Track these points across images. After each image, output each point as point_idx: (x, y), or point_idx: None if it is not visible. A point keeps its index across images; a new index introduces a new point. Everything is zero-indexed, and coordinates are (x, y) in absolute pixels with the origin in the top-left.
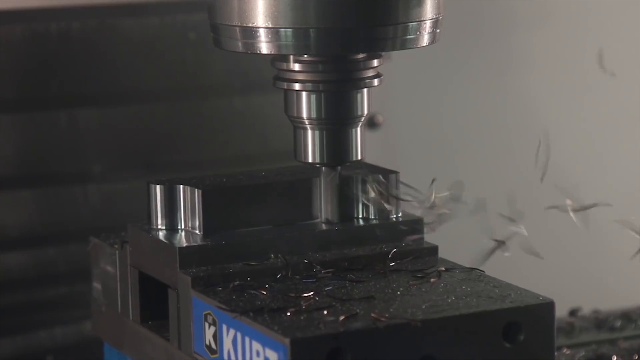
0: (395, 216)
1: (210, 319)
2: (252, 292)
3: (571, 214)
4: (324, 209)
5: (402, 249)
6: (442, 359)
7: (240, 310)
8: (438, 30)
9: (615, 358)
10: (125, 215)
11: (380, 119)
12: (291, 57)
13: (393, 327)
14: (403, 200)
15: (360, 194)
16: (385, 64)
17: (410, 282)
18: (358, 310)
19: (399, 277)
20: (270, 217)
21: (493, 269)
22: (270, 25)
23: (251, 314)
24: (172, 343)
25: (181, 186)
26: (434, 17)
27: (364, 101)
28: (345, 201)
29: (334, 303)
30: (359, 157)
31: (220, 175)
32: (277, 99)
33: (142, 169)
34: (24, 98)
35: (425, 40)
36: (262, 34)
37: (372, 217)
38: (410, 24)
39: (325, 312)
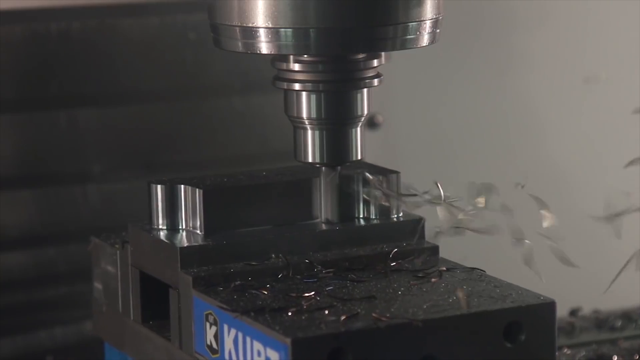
0: (396, 216)
1: (211, 318)
2: (253, 292)
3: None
4: (324, 209)
5: (403, 248)
6: (443, 358)
7: (241, 310)
8: (438, 30)
9: (616, 358)
10: (125, 215)
11: (380, 119)
12: (291, 57)
13: (394, 327)
14: (411, 201)
15: (362, 192)
16: (385, 64)
17: (411, 282)
18: (359, 310)
19: (400, 277)
20: (271, 217)
21: (494, 268)
22: (270, 25)
23: (252, 313)
24: (173, 343)
25: (182, 186)
26: (434, 17)
27: (364, 101)
28: (346, 201)
29: (335, 303)
30: (359, 157)
31: (221, 175)
32: (277, 99)
33: (142, 169)
34: (24, 98)
35: (425, 40)
36: (262, 34)
37: (373, 217)
38: (410, 24)
39: (326, 312)
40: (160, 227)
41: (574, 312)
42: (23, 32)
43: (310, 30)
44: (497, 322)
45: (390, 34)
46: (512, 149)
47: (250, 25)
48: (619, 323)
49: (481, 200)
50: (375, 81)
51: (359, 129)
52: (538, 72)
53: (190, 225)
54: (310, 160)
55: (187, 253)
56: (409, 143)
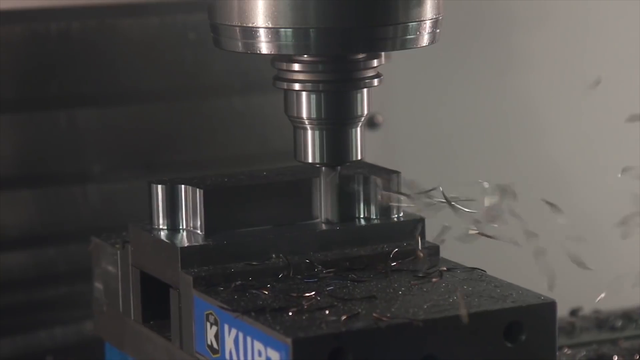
0: (396, 216)
1: (212, 318)
2: (254, 291)
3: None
4: (324, 209)
5: (404, 249)
6: (444, 358)
7: (242, 310)
8: (438, 30)
9: (616, 358)
10: (125, 215)
11: (380, 119)
12: (291, 57)
13: (395, 327)
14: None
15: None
16: (385, 64)
17: (412, 282)
18: (360, 310)
19: (400, 277)
20: (271, 217)
21: (494, 268)
22: (270, 25)
23: (253, 313)
24: (173, 343)
25: (182, 186)
26: (434, 17)
27: (364, 101)
28: (346, 201)
29: (335, 303)
30: (359, 157)
31: (222, 175)
32: (277, 99)
33: (142, 169)
34: (24, 98)
35: (425, 40)
36: (262, 34)
37: (374, 217)
38: (410, 24)
39: (327, 311)
40: (160, 227)
41: (574, 312)
42: (23, 32)
43: (310, 30)
44: (498, 322)
45: (390, 34)
46: (512, 149)
47: (250, 25)
48: (619, 323)
49: (492, 200)
50: (375, 81)
51: (359, 129)
52: (538, 72)
53: (191, 225)
54: (310, 160)
55: (188, 253)
56: (409, 143)
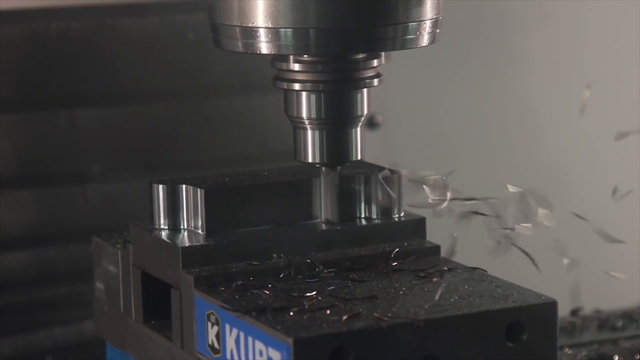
0: (397, 216)
1: (213, 318)
2: (255, 291)
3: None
4: (324, 209)
5: (405, 248)
6: (445, 358)
7: (243, 309)
8: (438, 30)
9: (617, 358)
10: (125, 215)
11: (380, 119)
12: (291, 57)
13: (396, 327)
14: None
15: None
16: (385, 64)
17: (413, 282)
18: (361, 310)
19: (401, 277)
20: (272, 217)
21: (495, 268)
22: (270, 25)
23: (254, 313)
24: (174, 343)
25: (184, 186)
26: (434, 17)
27: (364, 101)
28: (347, 200)
29: (336, 303)
30: (359, 157)
31: (223, 175)
32: (276, 99)
33: (142, 169)
34: (24, 98)
35: (425, 40)
36: (262, 34)
37: (374, 217)
38: (410, 24)
39: (328, 311)
40: (161, 227)
41: (575, 312)
42: (23, 32)
43: (310, 30)
44: (499, 322)
45: (390, 34)
46: (512, 148)
47: (250, 25)
48: (620, 323)
49: (543, 215)
50: (375, 81)
51: (358, 129)
52: (538, 72)
53: (192, 225)
54: (310, 160)
55: (189, 253)
56: (409, 143)
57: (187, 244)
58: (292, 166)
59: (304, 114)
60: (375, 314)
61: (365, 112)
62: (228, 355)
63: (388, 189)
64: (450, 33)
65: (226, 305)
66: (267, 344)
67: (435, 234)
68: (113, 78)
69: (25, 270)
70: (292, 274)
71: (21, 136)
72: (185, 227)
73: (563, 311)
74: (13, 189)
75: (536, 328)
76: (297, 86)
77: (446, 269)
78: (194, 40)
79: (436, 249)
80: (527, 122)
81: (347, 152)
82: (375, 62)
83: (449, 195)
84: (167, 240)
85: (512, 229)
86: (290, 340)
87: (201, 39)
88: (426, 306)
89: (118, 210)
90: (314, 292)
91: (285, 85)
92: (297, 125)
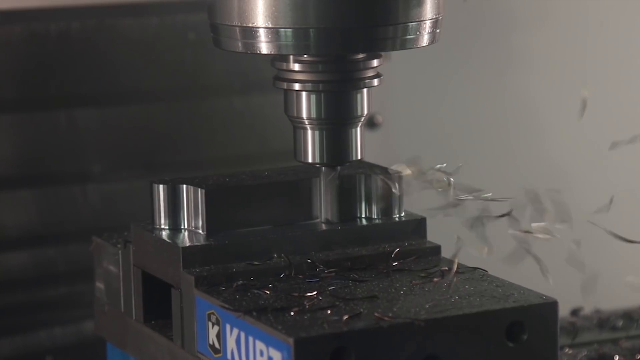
0: (397, 215)
1: (213, 318)
2: (256, 291)
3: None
4: (323, 209)
5: (405, 248)
6: (446, 358)
7: (243, 309)
8: (438, 30)
9: (618, 358)
10: (125, 215)
11: (380, 119)
12: (291, 57)
13: (396, 327)
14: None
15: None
16: (385, 64)
17: (413, 282)
18: (361, 310)
19: (402, 277)
20: (273, 217)
21: (496, 268)
22: (270, 25)
23: (255, 313)
24: (175, 343)
25: (184, 186)
26: (434, 17)
27: (364, 101)
28: (347, 200)
29: (337, 302)
30: (359, 157)
31: (223, 175)
32: (276, 99)
33: (141, 169)
34: (24, 98)
35: (425, 40)
36: (262, 34)
37: (375, 217)
38: (410, 24)
39: (328, 311)
40: (162, 226)
41: (575, 312)
42: (23, 32)
43: (310, 30)
44: (500, 322)
45: (390, 34)
46: (512, 148)
47: (250, 25)
48: (620, 323)
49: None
50: (375, 81)
51: (358, 129)
52: (538, 72)
53: (193, 225)
54: (310, 160)
55: (190, 253)
56: (409, 143)
57: (187, 243)
58: (292, 166)
59: (304, 114)
60: (376, 314)
61: (365, 112)
62: (229, 355)
63: (393, 183)
64: (450, 33)
65: (227, 305)
66: (268, 344)
67: (435, 234)
68: (113, 78)
69: (25, 270)
70: (292, 274)
71: (21, 136)
72: (186, 227)
73: (563, 311)
74: (13, 189)
75: (537, 328)
76: (297, 86)
77: (446, 268)
78: (194, 40)
79: (437, 249)
80: (527, 122)
81: (347, 152)
82: (375, 62)
83: (467, 196)
84: (168, 240)
85: (530, 232)
86: (291, 340)
87: (201, 39)
88: (427, 306)
89: (118, 210)
90: (315, 292)
91: (285, 85)
92: (297, 125)
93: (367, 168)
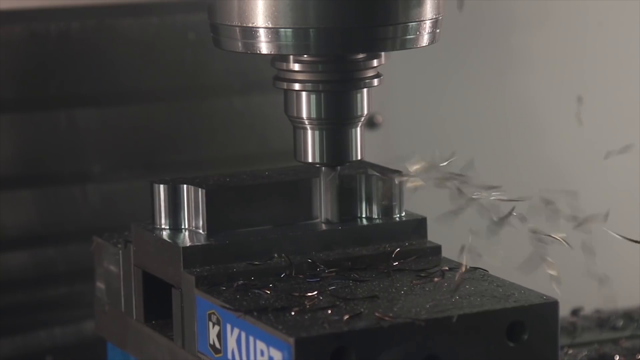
0: (398, 215)
1: (214, 318)
2: (256, 291)
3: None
4: (323, 209)
5: (406, 248)
6: (446, 358)
7: (244, 309)
8: (438, 30)
9: (618, 357)
10: (125, 215)
11: (379, 119)
12: (291, 57)
13: (397, 327)
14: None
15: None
16: (385, 64)
17: (414, 282)
18: (362, 310)
19: (402, 277)
20: (274, 217)
21: (496, 268)
22: (270, 25)
23: (255, 313)
24: (175, 342)
25: (185, 186)
26: (434, 17)
27: (364, 101)
28: (348, 200)
29: (337, 302)
30: (359, 157)
31: (224, 175)
32: (276, 99)
33: (141, 169)
34: (24, 98)
35: (425, 40)
36: (262, 34)
37: (375, 217)
38: (410, 24)
39: (329, 311)
40: (163, 226)
41: (575, 312)
42: (23, 32)
43: (310, 30)
44: (500, 322)
45: (390, 34)
46: (512, 148)
47: (250, 25)
48: (620, 323)
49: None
50: (375, 81)
51: (358, 129)
52: (538, 72)
53: (193, 224)
54: (310, 160)
55: (190, 253)
56: (409, 143)
57: (188, 243)
58: (293, 166)
59: (304, 114)
60: (377, 314)
61: (365, 112)
62: (229, 355)
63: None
64: (450, 33)
65: (227, 305)
66: (269, 343)
67: (436, 234)
68: (113, 78)
69: (25, 270)
70: (293, 274)
71: (21, 136)
72: (187, 227)
73: (564, 311)
74: (13, 189)
75: (537, 328)
76: (297, 86)
77: (447, 268)
78: (194, 40)
79: (437, 248)
80: (527, 122)
81: (347, 152)
82: (375, 62)
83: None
84: (168, 240)
85: (547, 235)
86: (291, 340)
87: (201, 39)
88: (427, 306)
89: (118, 210)
90: (315, 292)
91: (285, 85)
92: (297, 125)
93: (368, 168)
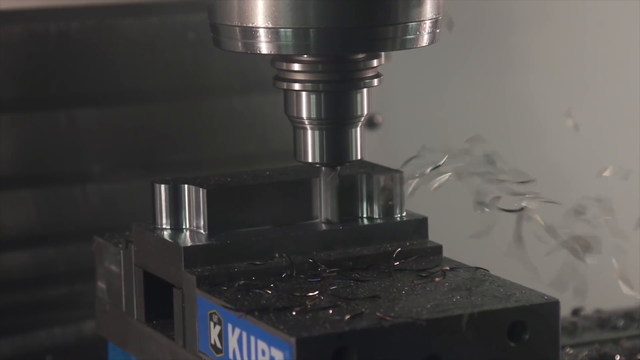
0: (399, 215)
1: (215, 318)
2: (257, 291)
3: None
4: (323, 209)
5: (407, 248)
6: (447, 358)
7: (245, 309)
8: (438, 30)
9: (618, 357)
10: (125, 215)
11: (379, 119)
12: (291, 57)
13: (398, 326)
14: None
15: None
16: (385, 64)
17: (415, 282)
18: (363, 310)
19: (403, 277)
20: (275, 217)
21: (497, 268)
22: (270, 25)
23: (256, 313)
24: (177, 342)
25: (186, 186)
26: (434, 17)
27: (364, 101)
28: (349, 200)
29: (339, 302)
30: (359, 157)
31: (225, 175)
32: (276, 99)
33: (141, 169)
34: (24, 98)
35: (425, 40)
36: (262, 34)
37: (377, 217)
38: (410, 24)
39: (330, 311)
40: (164, 226)
41: (576, 312)
42: (22, 32)
43: (310, 30)
44: (501, 322)
45: (390, 34)
46: (512, 149)
47: (250, 25)
48: (621, 323)
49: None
50: (375, 81)
51: (358, 129)
52: (538, 72)
53: (194, 224)
54: (310, 160)
55: (191, 252)
56: (409, 143)
57: (189, 243)
58: (294, 166)
59: (304, 114)
60: (378, 314)
61: (365, 112)
62: (230, 355)
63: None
64: (451, 33)
65: (228, 305)
66: (270, 343)
67: (436, 234)
68: (113, 78)
69: (25, 270)
70: (294, 274)
71: (21, 136)
72: (188, 226)
73: (565, 311)
74: (13, 189)
75: (538, 328)
76: (297, 86)
77: (448, 268)
78: (194, 40)
79: (438, 248)
80: (527, 122)
81: (347, 152)
82: (375, 62)
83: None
84: (170, 240)
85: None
86: (292, 340)
87: (201, 39)
88: (428, 306)
89: (118, 210)
90: (316, 292)
91: (285, 85)
92: (297, 125)
93: (369, 168)
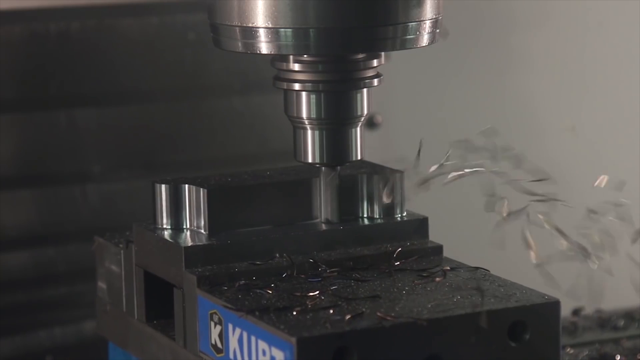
0: (400, 215)
1: (216, 318)
2: (258, 291)
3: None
4: (323, 209)
5: (407, 248)
6: (448, 358)
7: (246, 309)
8: (438, 30)
9: (619, 357)
10: (125, 215)
11: (379, 119)
12: (291, 57)
13: (399, 326)
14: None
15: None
16: (385, 64)
17: (416, 281)
18: (364, 310)
19: (404, 277)
20: (275, 217)
21: (498, 268)
22: (270, 25)
23: (257, 313)
24: (177, 342)
25: (186, 185)
26: (434, 17)
27: (364, 101)
28: (349, 200)
29: (339, 302)
30: (359, 157)
31: (225, 175)
32: (276, 99)
33: (141, 169)
34: (24, 98)
35: (425, 40)
36: (262, 34)
37: (377, 216)
38: (410, 24)
39: (331, 311)
40: (164, 226)
41: (576, 312)
42: (22, 32)
43: (310, 30)
44: (502, 322)
45: (390, 34)
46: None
47: (250, 25)
48: (621, 322)
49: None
50: (375, 81)
51: (358, 129)
52: (538, 72)
53: (195, 224)
54: (310, 160)
55: (192, 252)
56: (409, 143)
57: (189, 243)
58: (294, 166)
59: (304, 114)
60: (378, 314)
61: (365, 112)
62: (231, 355)
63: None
64: (451, 33)
65: (229, 305)
66: (270, 343)
67: (437, 234)
68: (113, 78)
69: (25, 270)
70: (294, 274)
71: (21, 136)
72: (188, 226)
73: (565, 311)
74: (13, 189)
75: (539, 328)
76: (297, 86)
77: (449, 268)
78: (194, 40)
79: (439, 248)
80: (527, 122)
81: (347, 152)
82: (375, 62)
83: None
84: (170, 240)
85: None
86: (293, 340)
87: (201, 39)
88: (429, 305)
89: (118, 210)
90: (317, 292)
91: (285, 85)
92: (297, 125)
93: (369, 168)
